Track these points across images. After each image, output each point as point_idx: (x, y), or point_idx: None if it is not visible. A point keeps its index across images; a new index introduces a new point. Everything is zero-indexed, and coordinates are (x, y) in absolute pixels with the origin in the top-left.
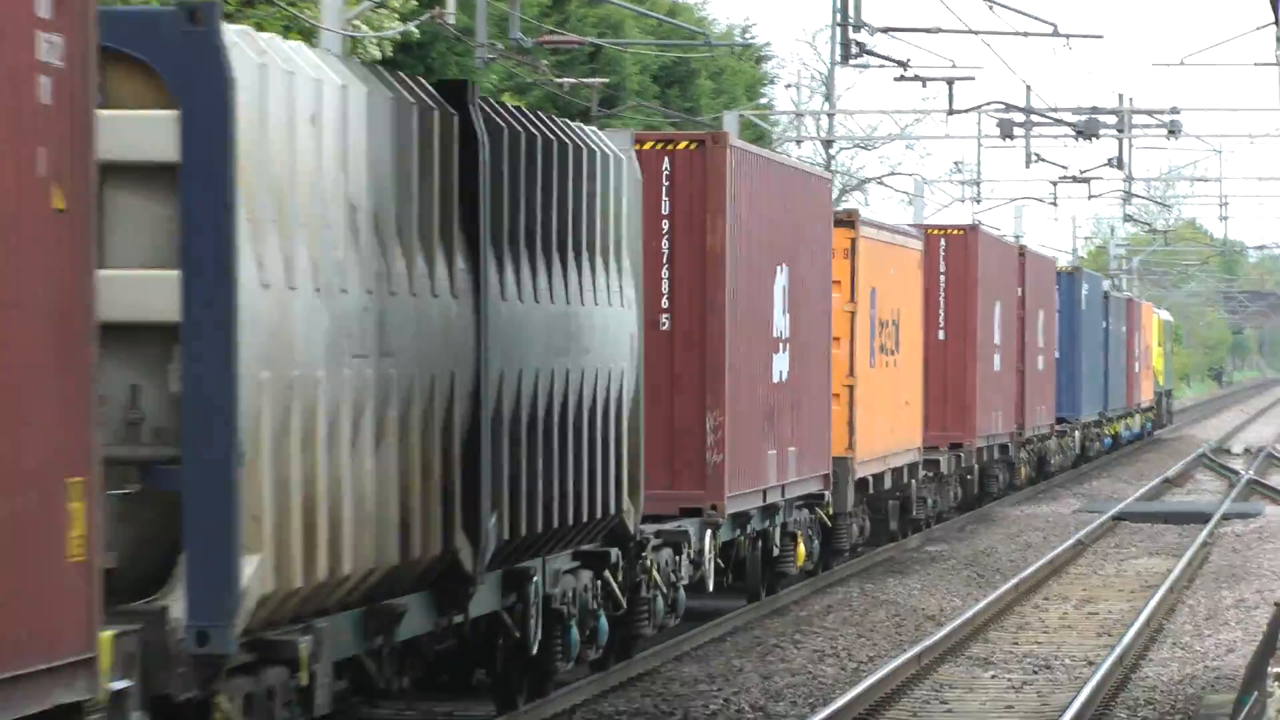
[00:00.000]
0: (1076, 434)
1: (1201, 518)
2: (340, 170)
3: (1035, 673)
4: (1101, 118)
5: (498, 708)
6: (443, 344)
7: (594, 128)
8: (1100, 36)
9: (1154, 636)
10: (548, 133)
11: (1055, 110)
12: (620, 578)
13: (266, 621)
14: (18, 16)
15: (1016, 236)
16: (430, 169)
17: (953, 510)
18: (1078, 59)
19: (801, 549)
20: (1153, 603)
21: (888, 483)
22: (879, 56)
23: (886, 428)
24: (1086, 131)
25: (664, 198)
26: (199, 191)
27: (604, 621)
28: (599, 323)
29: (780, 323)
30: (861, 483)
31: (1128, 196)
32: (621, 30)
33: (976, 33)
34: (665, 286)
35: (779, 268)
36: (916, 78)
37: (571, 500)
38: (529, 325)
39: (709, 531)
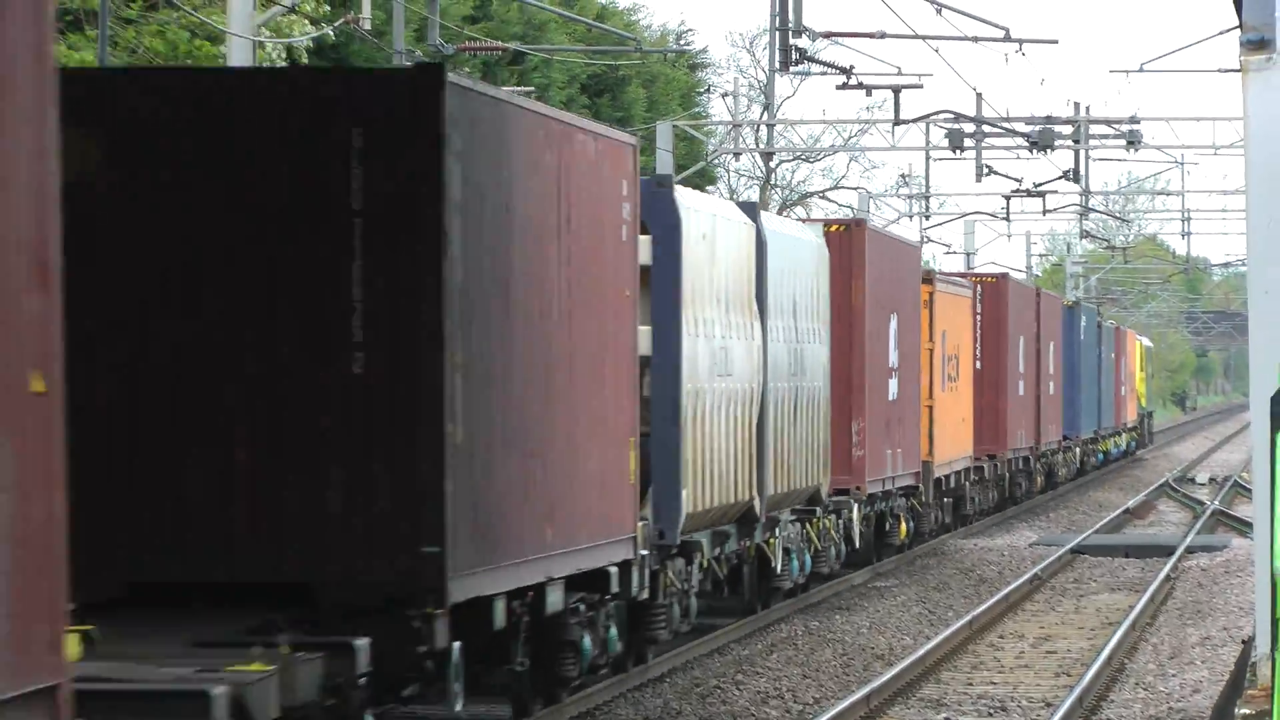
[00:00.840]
0: (1077, 450)
1: (1165, 551)
2: (712, 266)
3: (990, 715)
4: (1057, 128)
5: (742, 612)
6: (751, 368)
7: (797, 219)
8: (1055, 42)
9: (1115, 676)
10: (796, 235)
11: (1008, 120)
12: (817, 529)
13: (688, 529)
14: (616, 197)
15: (967, 254)
16: (747, 265)
17: (991, 508)
18: (1031, 66)
19: (904, 526)
20: (1114, 640)
21: (952, 483)
22: (821, 63)
23: (950, 439)
24: (1041, 143)
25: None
26: (662, 280)
27: (809, 558)
28: (810, 356)
29: (892, 357)
30: (937, 481)
31: (1085, 211)
32: (546, 35)
33: (924, 38)
34: None
35: (891, 316)
36: (861, 86)
37: (800, 473)
38: (781, 357)
39: (856, 505)
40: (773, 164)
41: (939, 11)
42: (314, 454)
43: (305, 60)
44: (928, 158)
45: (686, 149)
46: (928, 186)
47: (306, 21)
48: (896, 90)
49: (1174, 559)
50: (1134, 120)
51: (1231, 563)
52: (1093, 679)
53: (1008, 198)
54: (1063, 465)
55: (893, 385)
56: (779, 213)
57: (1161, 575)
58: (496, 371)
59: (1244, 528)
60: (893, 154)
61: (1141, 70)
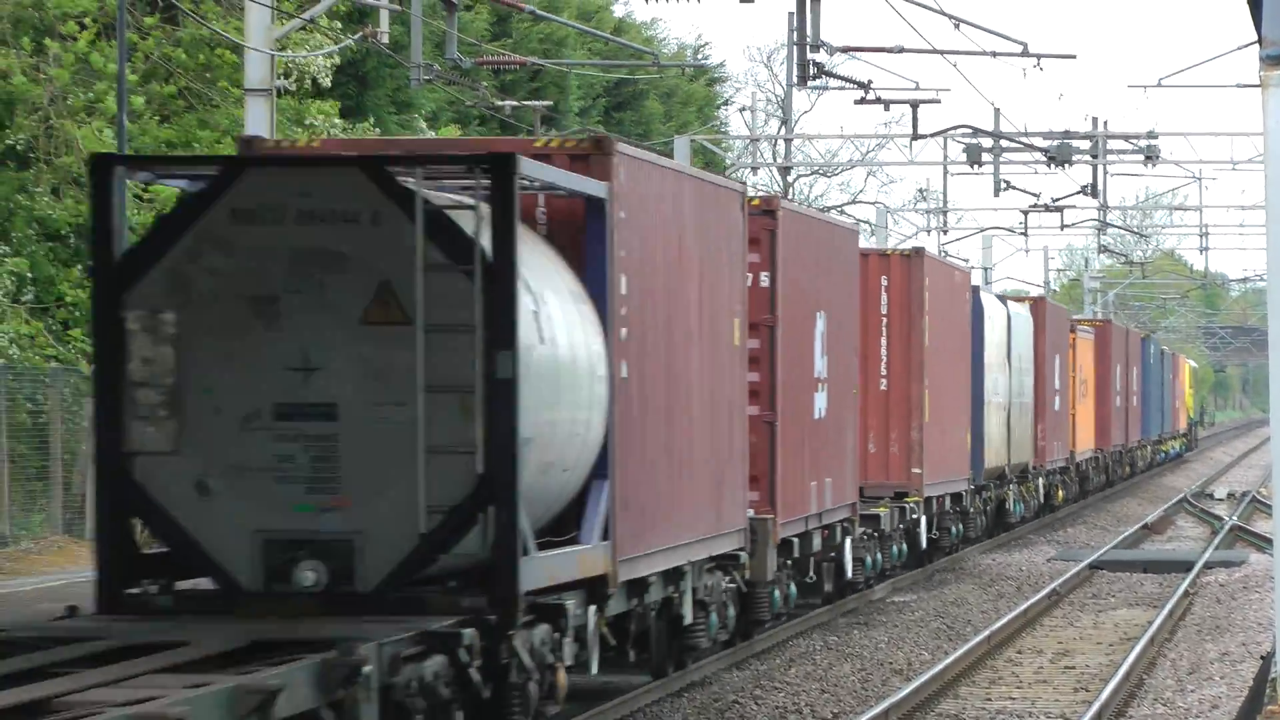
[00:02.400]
0: (1149, 448)
1: (1183, 566)
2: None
3: None
4: (1075, 143)
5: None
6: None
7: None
8: (1073, 57)
9: (1134, 692)
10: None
11: (1026, 135)
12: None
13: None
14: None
15: (985, 269)
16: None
17: (1104, 484)
18: (1049, 81)
19: (1061, 492)
20: (1132, 656)
21: (1083, 465)
22: (838, 78)
23: (1083, 436)
24: (1059, 157)
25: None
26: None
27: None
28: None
29: (1057, 383)
30: (1077, 464)
31: (1103, 226)
32: (565, 50)
33: (942, 53)
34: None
35: (1055, 356)
36: (879, 100)
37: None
38: (1001, 385)
39: (1043, 474)
40: (790, 178)
41: (957, 26)
42: None
43: (328, 80)
44: (945, 172)
45: (701, 162)
46: (945, 201)
47: (328, 38)
48: (914, 105)
49: (1192, 574)
50: (1152, 135)
51: (1250, 578)
52: (1111, 694)
53: (1025, 212)
54: (1140, 459)
55: (1056, 401)
56: None
57: (1180, 590)
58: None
59: (1262, 543)
60: (910, 168)
61: (1160, 85)
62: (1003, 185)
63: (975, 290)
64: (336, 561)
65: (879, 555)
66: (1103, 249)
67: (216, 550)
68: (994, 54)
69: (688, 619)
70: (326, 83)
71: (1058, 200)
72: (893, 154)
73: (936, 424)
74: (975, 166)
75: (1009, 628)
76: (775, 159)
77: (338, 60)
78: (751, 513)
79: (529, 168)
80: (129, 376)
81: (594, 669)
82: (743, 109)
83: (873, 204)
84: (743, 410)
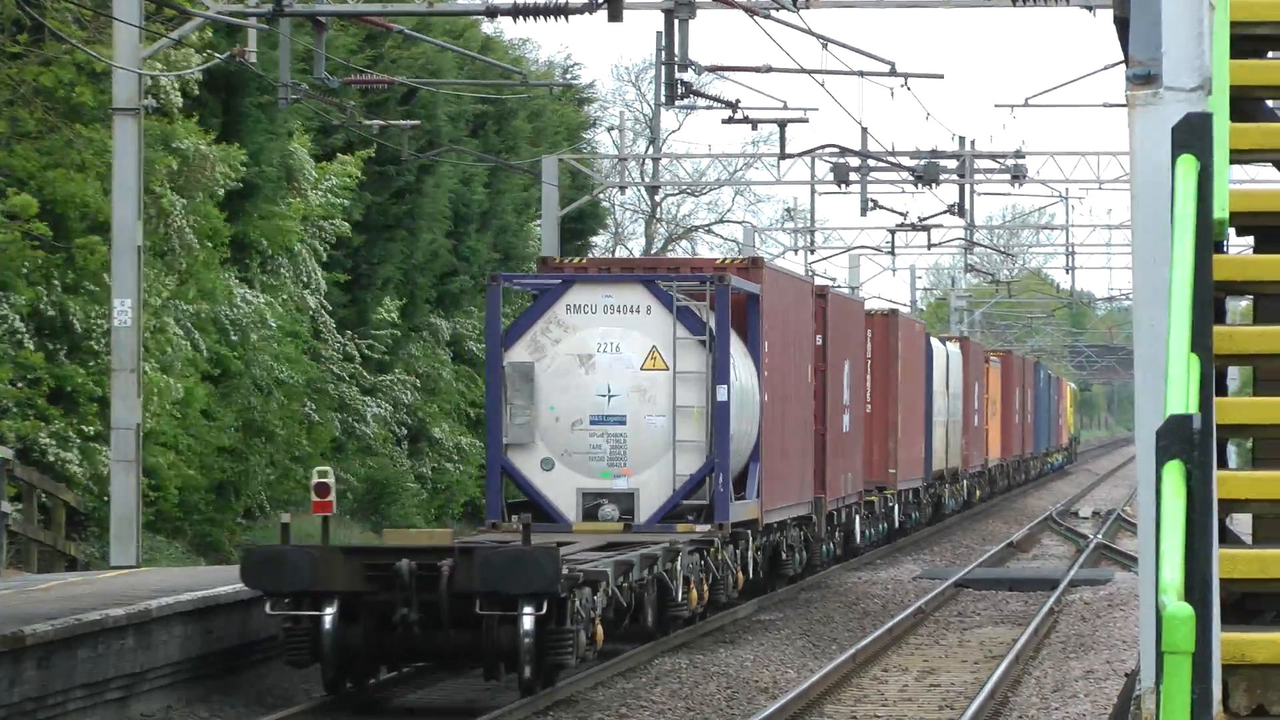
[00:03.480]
0: (1041, 459)
1: (1049, 584)
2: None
3: None
4: (942, 162)
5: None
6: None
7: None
8: (940, 76)
9: (999, 710)
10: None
11: (893, 154)
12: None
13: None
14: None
15: (852, 288)
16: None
17: (1014, 484)
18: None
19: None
20: (997, 674)
21: (992, 467)
22: (706, 97)
23: (994, 445)
24: (926, 176)
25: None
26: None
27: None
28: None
29: (977, 403)
30: (993, 468)
31: (969, 245)
32: (440, 73)
33: (810, 72)
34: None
35: (975, 384)
36: (746, 119)
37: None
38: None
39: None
40: (658, 197)
41: (825, 46)
42: None
43: (197, 92)
44: (813, 191)
45: (566, 183)
46: (813, 220)
47: (196, 56)
48: (782, 124)
49: (1058, 592)
50: (1019, 154)
51: (1115, 596)
52: (976, 712)
53: (893, 231)
54: (1035, 468)
55: (976, 419)
56: (664, 247)
57: (1045, 608)
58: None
59: (1127, 561)
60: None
61: (1026, 105)
62: (870, 204)
63: (927, 336)
64: (624, 506)
65: (872, 530)
66: (969, 268)
67: (554, 501)
68: (862, 74)
69: (784, 555)
70: (194, 90)
71: (925, 219)
72: (760, 173)
73: (905, 437)
74: (843, 186)
75: (874, 646)
76: (643, 178)
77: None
78: (812, 493)
79: (734, 282)
80: (509, 401)
81: (751, 574)
82: (611, 128)
83: (740, 223)
84: (811, 424)
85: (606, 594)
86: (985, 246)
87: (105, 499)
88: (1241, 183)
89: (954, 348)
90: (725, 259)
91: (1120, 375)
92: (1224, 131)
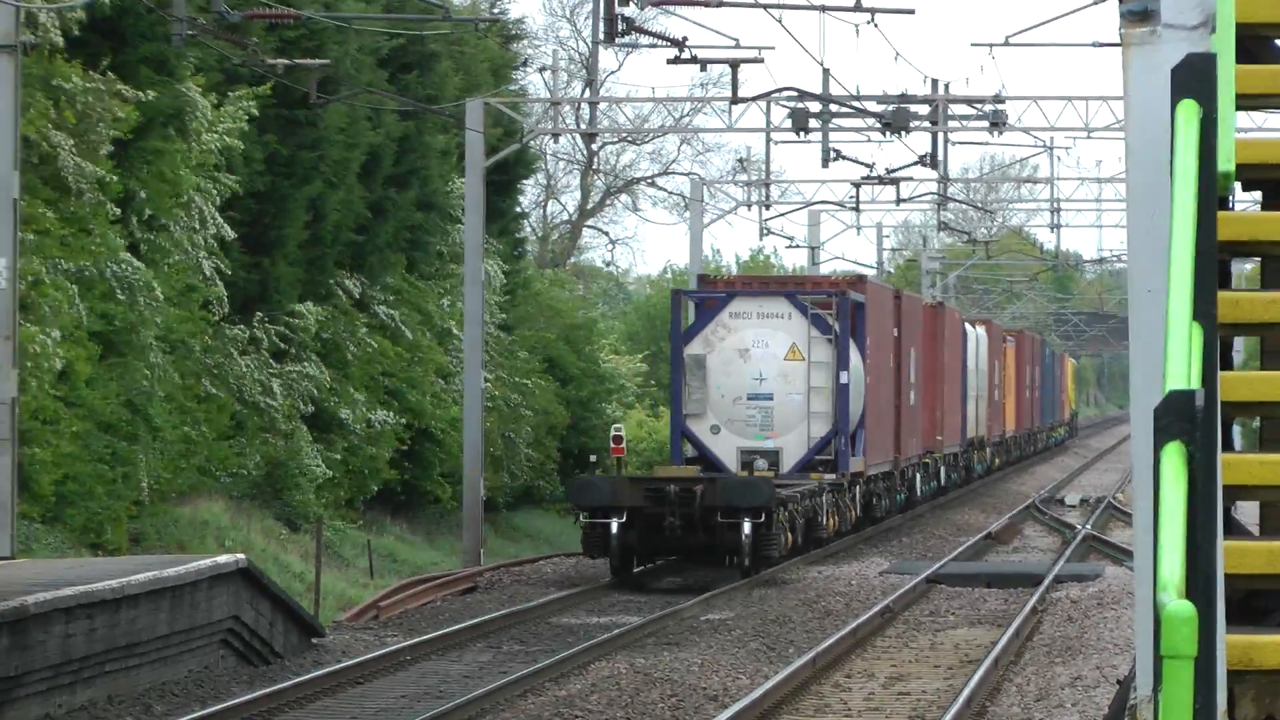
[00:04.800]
0: (1045, 433)
1: (1031, 580)
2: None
3: None
4: (912, 108)
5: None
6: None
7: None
8: (911, 12)
9: None
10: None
11: (858, 99)
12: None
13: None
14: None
15: (811, 248)
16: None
17: (1026, 455)
18: (885, 39)
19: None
20: (974, 681)
21: (1011, 439)
22: (649, 34)
23: (1010, 417)
24: (894, 124)
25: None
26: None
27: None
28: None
29: (998, 379)
30: (1010, 438)
31: (943, 200)
32: (343, 2)
33: (765, 6)
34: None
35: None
36: (694, 59)
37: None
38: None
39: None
40: (595, 146)
41: None
42: None
43: (77, 32)
44: (768, 140)
45: (497, 134)
46: (768, 173)
47: None
48: (734, 65)
49: (1041, 589)
50: (998, 99)
51: (1105, 594)
52: None
53: (857, 185)
54: (1042, 440)
55: (996, 394)
56: (602, 201)
57: (1027, 607)
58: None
59: (1119, 555)
60: (729, 135)
61: (1007, 44)
62: (832, 155)
63: (963, 322)
64: (771, 460)
65: (927, 486)
66: (943, 226)
67: (720, 456)
68: (823, 9)
69: (873, 501)
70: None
71: (893, 171)
72: (710, 119)
73: (948, 409)
74: (802, 134)
75: (837, 649)
76: (579, 125)
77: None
78: (892, 454)
79: (851, 295)
80: (688, 383)
81: (859, 513)
82: (543, 69)
83: (687, 174)
84: (893, 400)
85: (793, 513)
86: (960, 202)
87: None
88: (1248, 131)
89: (981, 330)
90: (838, 274)
91: (1112, 346)
92: (1229, 74)
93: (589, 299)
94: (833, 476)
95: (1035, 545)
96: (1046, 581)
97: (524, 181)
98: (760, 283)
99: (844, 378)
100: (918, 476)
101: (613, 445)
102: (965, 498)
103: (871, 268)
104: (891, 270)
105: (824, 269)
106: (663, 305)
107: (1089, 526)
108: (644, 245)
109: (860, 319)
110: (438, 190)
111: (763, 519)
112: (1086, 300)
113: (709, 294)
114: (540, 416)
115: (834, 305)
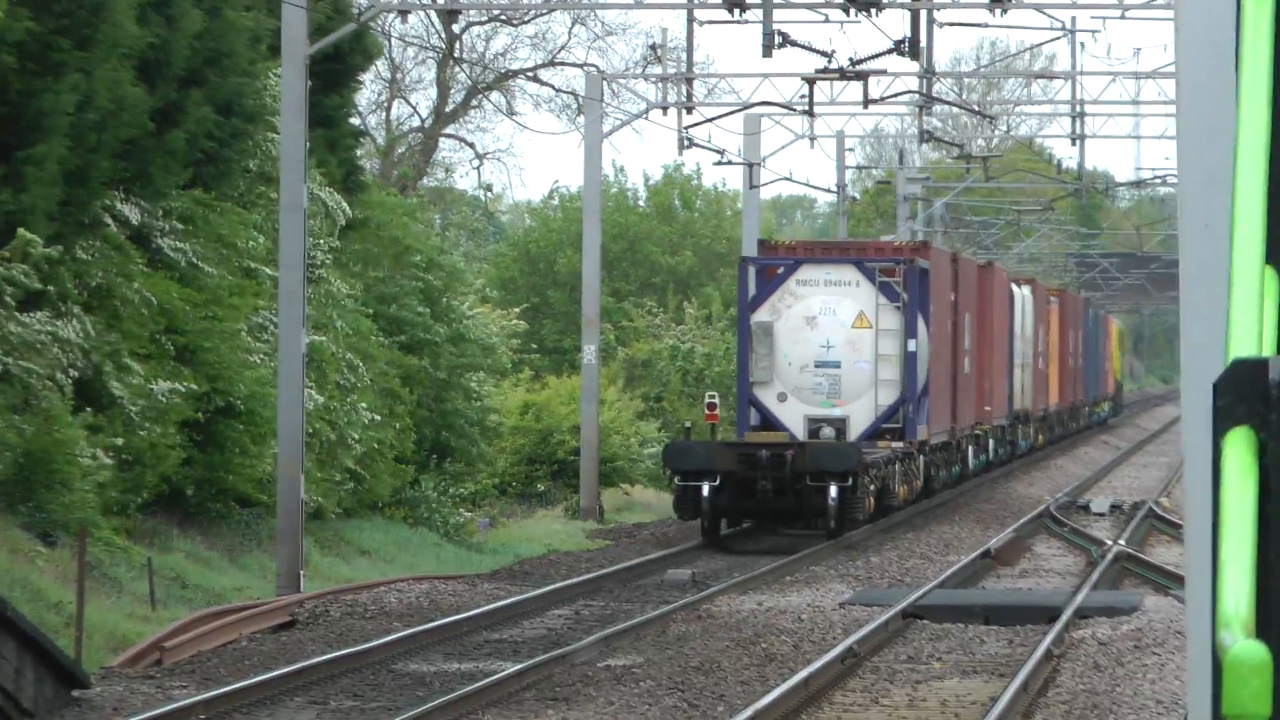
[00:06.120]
0: (1089, 407)
1: (1044, 614)
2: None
3: None
4: None
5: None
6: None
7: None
8: None
9: None
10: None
11: None
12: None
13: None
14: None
15: (749, 165)
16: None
17: (1072, 431)
18: None
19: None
20: None
21: (1055, 410)
22: None
23: (1053, 390)
24: None
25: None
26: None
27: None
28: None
29: (1041, 345)
30: (1054, 412)
31: (927, 102)
32: None
33: None
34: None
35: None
36: None
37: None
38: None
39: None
40: (457, 28)
41: None
42: None
43: None
44: (690, 19)
45: (331, 4)
46: (690, 64)
47: None
48: None
49: (1059, 627)
50: None
51: (1145, 632)
52: None
53: (810, 81)
54: (1083, 417)
55: (1041, 362)
56: (467, 99)
57: (1040, 651)
58: (944, 362)
59: (1164, 581)
60: (638, 14)
61: None
62: (777, 40)
63: (1009, 283)
64: (838, 428)
65: (977, 460)
66: (926, 136)
67: (787, 424)
68: None
69: (933, 471)
70: None
71: (859, 62)
72: None
73: (995, 379)
74: (737, 12)
75: (782, 706)
76: (434, 0)
77: None
78: (949, 424)
79: (919, 261)
80: (754, 350)
81: (922, 481)
82: None
83: (581, 66)
84: (950, 368)
85: (873, 478)
86: (950, 104)
87: None
88: None
89: (1026, 290)
90: (900, 240)
91: (1154, 300)
92: None
93: (448, 234)
94: (901, 444)
95: (1050, 566)
96: (1066, 616)
97: (361, 75)
98: (823, 249)
99: (911, 345)
100: (970, 449)
101: (707, 412)
102: (957, 502)
103: (830, 191)
104: (856, 196)
105: (766, 192)
106: (548, 243)
107: (1123, 541)
108: (522, 161)
109: (924, 287)
110: (244, 87)
111: (849, 483)
112: (1119, 237)
113: (775, 260)
114: (385, 399)
115: (901, 273)
